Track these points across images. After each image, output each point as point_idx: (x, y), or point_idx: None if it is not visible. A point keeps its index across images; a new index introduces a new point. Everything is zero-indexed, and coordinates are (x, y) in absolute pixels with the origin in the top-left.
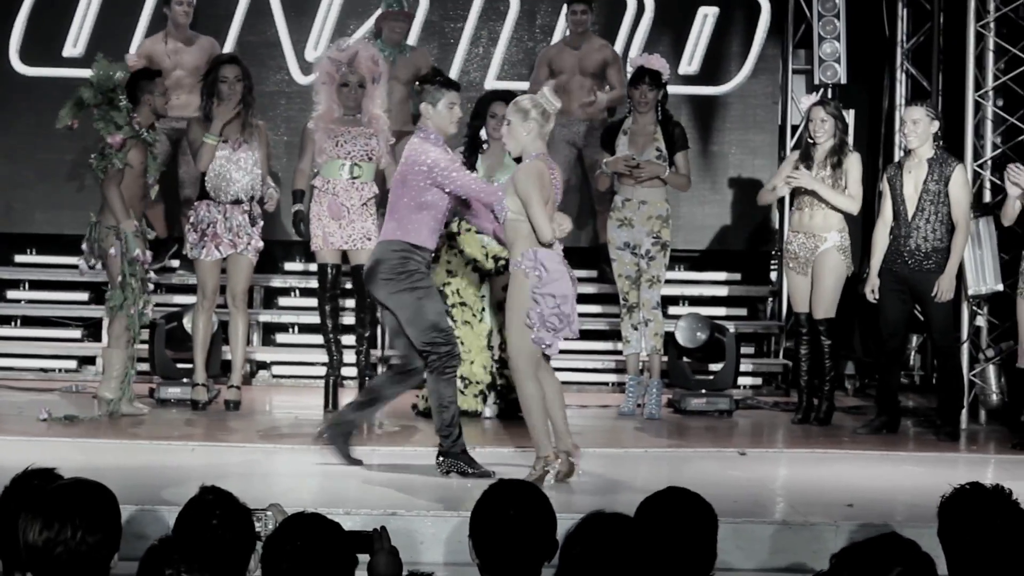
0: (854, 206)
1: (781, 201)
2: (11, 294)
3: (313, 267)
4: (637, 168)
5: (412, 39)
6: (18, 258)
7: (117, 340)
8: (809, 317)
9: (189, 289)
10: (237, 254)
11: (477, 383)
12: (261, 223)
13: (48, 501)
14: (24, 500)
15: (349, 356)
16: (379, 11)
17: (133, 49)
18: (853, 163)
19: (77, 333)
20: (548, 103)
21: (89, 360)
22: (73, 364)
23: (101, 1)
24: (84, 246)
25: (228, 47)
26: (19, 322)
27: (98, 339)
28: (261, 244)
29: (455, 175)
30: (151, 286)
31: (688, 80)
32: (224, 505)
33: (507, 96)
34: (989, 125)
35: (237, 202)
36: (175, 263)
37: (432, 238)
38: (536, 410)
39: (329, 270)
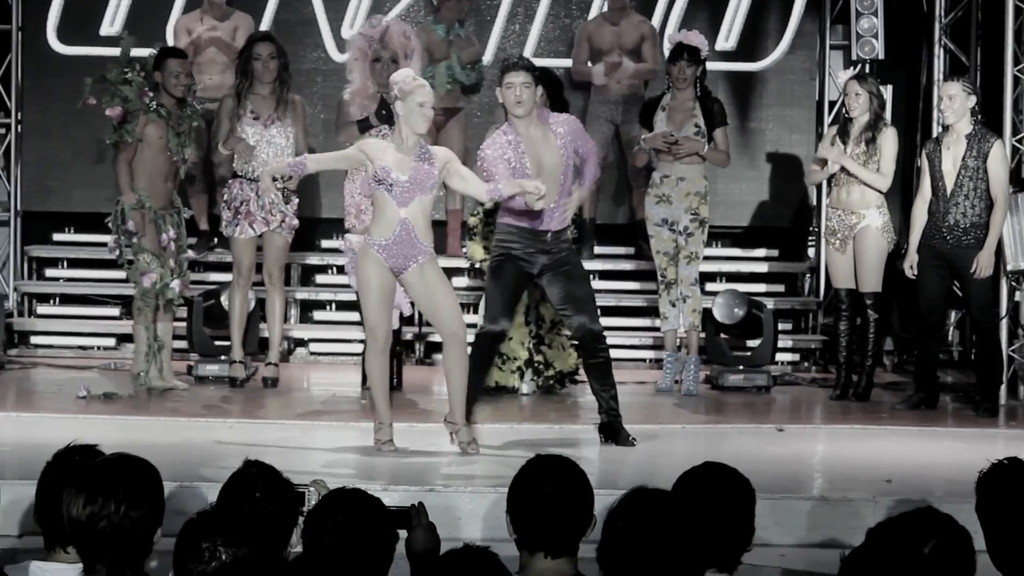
0: (883, 183)
1: None
2: (50, 272)
3: None
4: (675, 144)
5: None
6: (56, 236)
7: (137, 314)
8: (855, 292)
9: (226, 267)
10: (271, 232)
11: (514, 359)
12: (296, 200)
13: (92, 476)
14: (66, 476)
15: None
16: None
17: (170, 27)
18: (888, 139)
19: (115, 311)
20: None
21: (127, 338)
22: (111, 342)
23: None
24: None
25: (264, 25)
26: (57, 300)
27: None
28: (296, 222)
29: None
30: (185, 264)
31: (725, 56)
32: (268, 479)
33: (540, 73)
34: None
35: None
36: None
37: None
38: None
39: None
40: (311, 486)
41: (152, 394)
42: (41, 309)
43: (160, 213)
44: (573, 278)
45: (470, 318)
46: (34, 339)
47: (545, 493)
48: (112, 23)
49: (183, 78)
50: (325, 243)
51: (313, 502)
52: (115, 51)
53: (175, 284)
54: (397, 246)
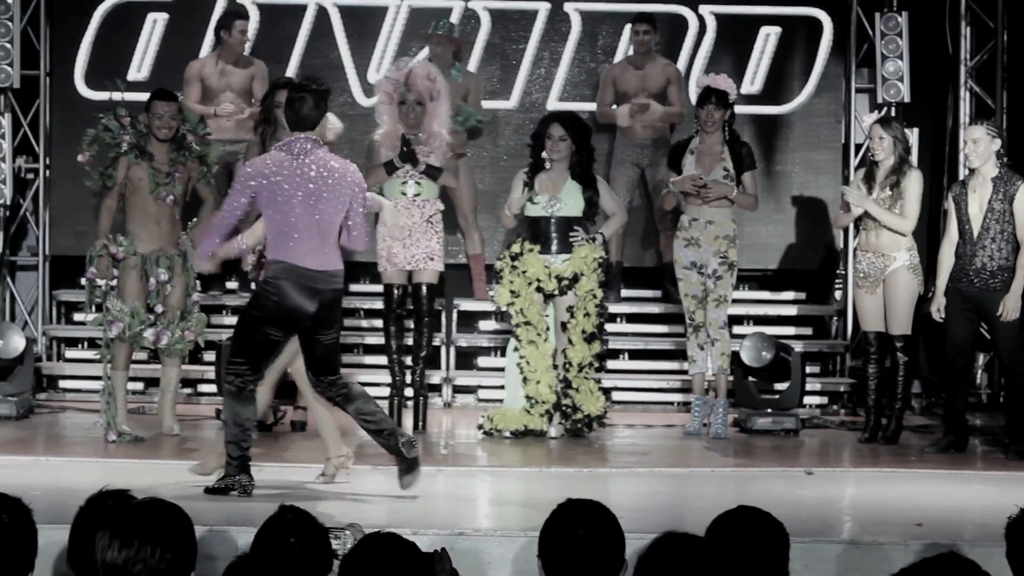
0: (906, 226)
1: None
2: (78, 316)
3: (377, 288)
4: (704, 188)
5: (474, 61)
6: (84, 281)
7: (103, 360)
8: (884, 335)
9: None
10: None
11: (543, 403)
12: None
13: (127, 520)
14: (98, 520)
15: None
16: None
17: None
18: (912, 182)
19: (143, 355)
20: None
21: (155, 382)
22: (140, 386)
23: (165, 26)
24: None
25: (291, 70)
26: (86, 344)
27: None
28: None
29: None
30: (195, 308)
31: (751, 99)
32: (302, 524)
33: (566, 117)
34: None
35: None
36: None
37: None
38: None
39: (395, 290)
40: (347, 530)
41: (125, 439)
42: (69, 353)
43: (153, 256)
44: None
45: (496, 361)
46: (63, 383)
47: (576, 537)
48: (139, 68)
49: (167, 120)
50: (352, 287)
51: (349, 546)
52: (142, 96)
53: (149, 333)
54: None
